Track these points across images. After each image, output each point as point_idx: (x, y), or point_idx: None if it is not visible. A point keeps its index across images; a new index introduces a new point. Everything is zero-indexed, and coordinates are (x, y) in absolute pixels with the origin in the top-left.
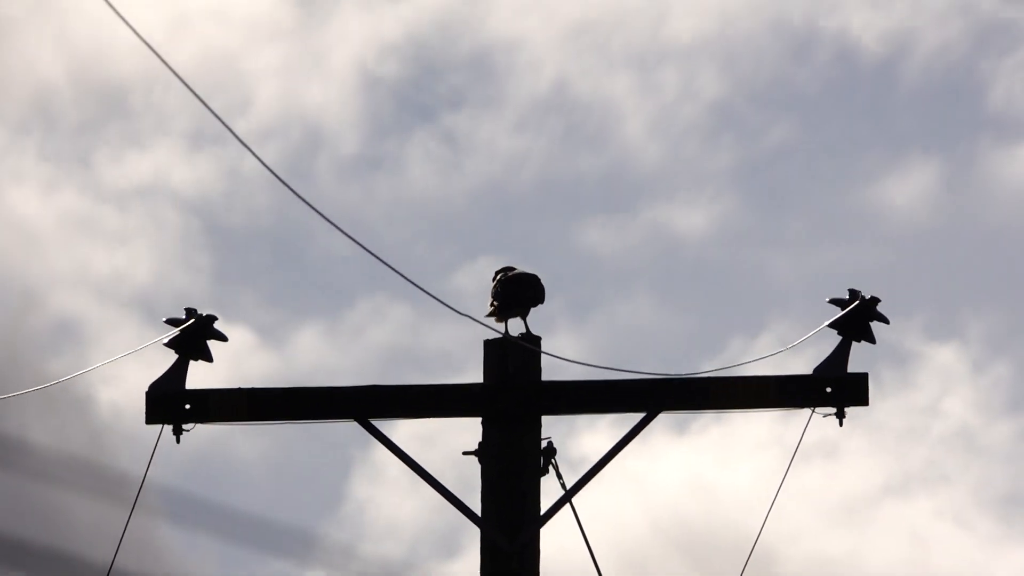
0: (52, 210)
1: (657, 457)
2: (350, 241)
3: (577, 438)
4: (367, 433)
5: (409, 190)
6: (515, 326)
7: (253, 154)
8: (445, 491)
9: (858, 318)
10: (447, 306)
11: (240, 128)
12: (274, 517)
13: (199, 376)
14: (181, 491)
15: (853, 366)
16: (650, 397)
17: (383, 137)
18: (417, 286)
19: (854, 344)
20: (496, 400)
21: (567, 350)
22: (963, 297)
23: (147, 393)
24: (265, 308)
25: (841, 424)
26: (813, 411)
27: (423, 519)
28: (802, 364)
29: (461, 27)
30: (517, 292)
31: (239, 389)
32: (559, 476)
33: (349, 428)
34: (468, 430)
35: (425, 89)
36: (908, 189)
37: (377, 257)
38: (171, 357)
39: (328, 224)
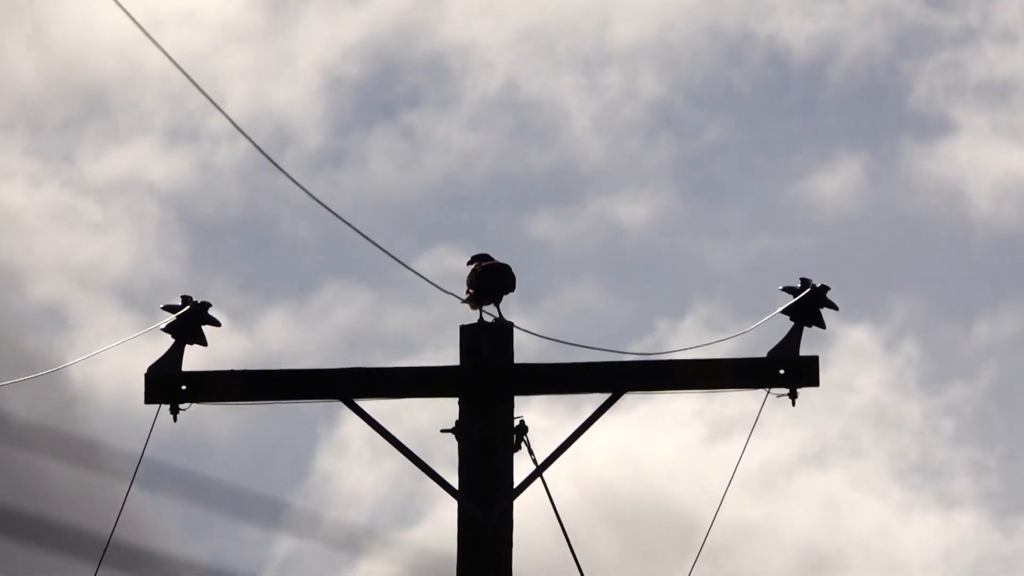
0: (37, 203)
1: (593, 434)
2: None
3: (547, 417)
4: (349, 411)
5: (371, 182)
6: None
7: (267, 157)
8: (424, 466)
9: (809, 305)
10: (436, 286)
11: (212, 126)
12: (259, 489)
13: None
14: (174, 466)
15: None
16: (616, 378)
17: (346, 133)
18: (410, 269)
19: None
20: (472, 381)
21: (517, 333)
22: (886, 282)
23: (146, 375)
24: (236, 293)
25: (794, 404)
26: (768, 391)
27: (391, 489)
28: (746, 347)
29: (418, 31)
30: (490, 282)
31: (232, 371)
32: (531, 452)
33: (316, 408)
34: (432, 409)
35: (385, 88)
36: (835, 182)
37: (374, 243)
38: (141, 341)
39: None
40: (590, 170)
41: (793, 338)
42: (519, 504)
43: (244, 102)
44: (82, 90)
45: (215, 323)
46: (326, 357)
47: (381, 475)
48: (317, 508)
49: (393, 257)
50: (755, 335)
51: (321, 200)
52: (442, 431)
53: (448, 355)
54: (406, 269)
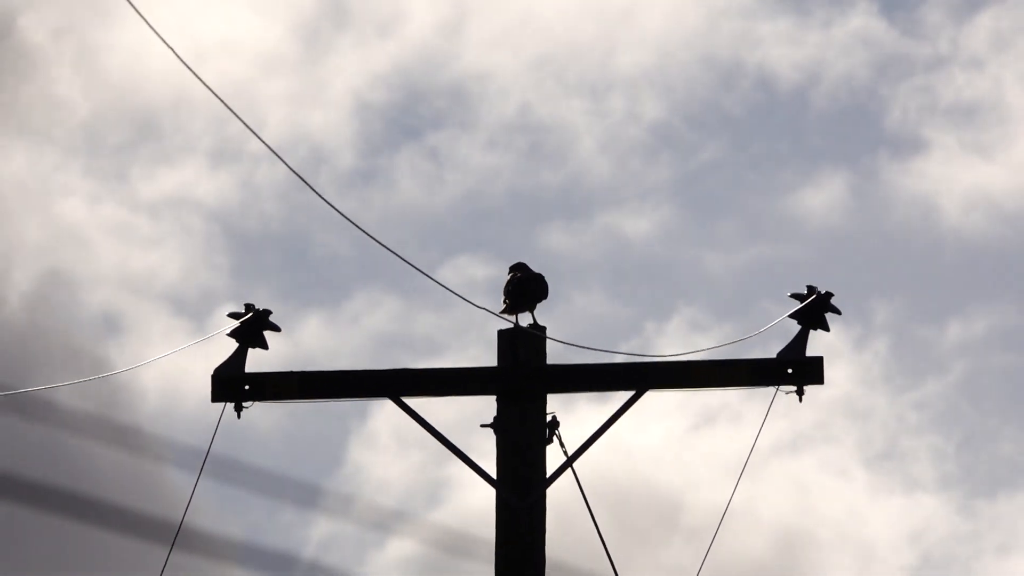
0: (95, 218)
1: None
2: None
3: (576, 413)
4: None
5: (398, 199)
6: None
7: (300, 177)
8: (465, 458)
9: (815, 310)
10: (469, 302)
11: (253, 148)
12: (302, 477)
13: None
14: (244, 461)
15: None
16: (639, 378)
17: (375, 154)
18: (437, 282)
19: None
20: (509, 381)
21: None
22: (867, 286)
23: (212, 376)
24: (275, 300)
25: (800, 400)
26: (777, 389)
27: (418, 476)
28: (742, 348)
29: (441, 60)
30: (525, 292)
31: (291, 372)
32: (562, 445)
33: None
34: (459, 405)
35: (411, 113)
36: (820, 197)
37: (404, 260)
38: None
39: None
40: (597, 186)
41: (800, 340)
42: (551, 492)
43: (282, 126)
44: (135, 116)
45: (276, 328)
46: (357, 359)
47: (410, 464)
48: (352, 492)
49: (428, 276)
50: (747, 336)
51: (351, 218)
52: (482, 426)
53: (469, 356)
54: (436, 283)
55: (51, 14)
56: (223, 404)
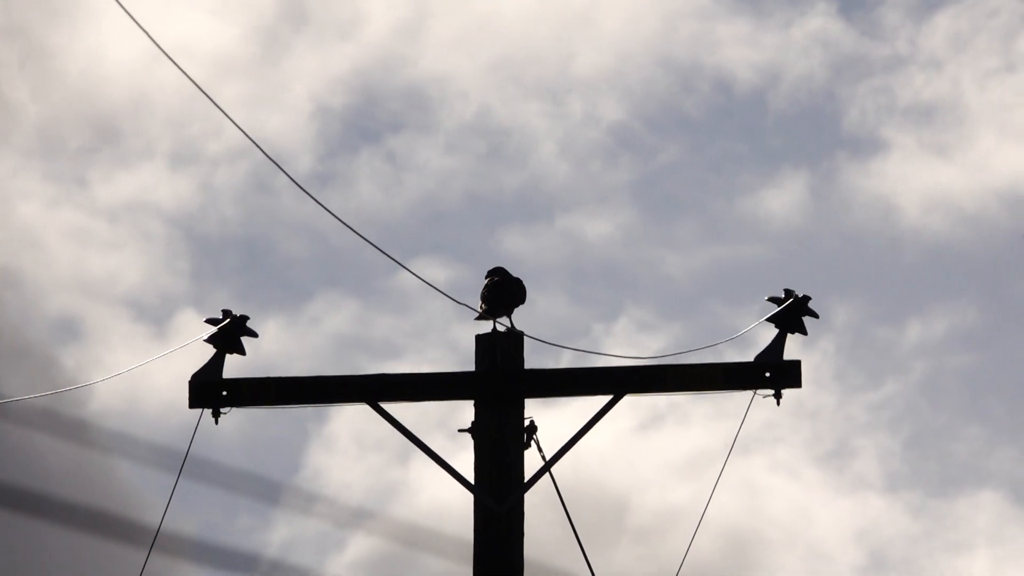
0: (54, 222)
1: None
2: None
3: (554, 417)
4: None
5: (357, 201)
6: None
7: (278, 166)
8: (443, 463)
9: (792, 313)
10: (453, 299)
11: (212, 150)
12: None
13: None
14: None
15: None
16: (616, 382)
17: (334, 157)
18: (428, 283)
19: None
20: (487, 385)
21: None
22: (827, 287)
23: (190, 382)
24: (235, 303)
25: (779, 404)
26: (755, 393)
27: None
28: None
29: (399, 63)
30: (500, 296)
31: (268, 378)
32: (540, 449)
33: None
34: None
35: (369, 116)
36: (780, 198)
37: (392, 258)
38: (148, 347)
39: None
40: (556, 189)
41: (777, 344)
42: (529, 496)
43: (237, 128)
44: (93, 120)
45: (253, 334)
46: (318, 362)
47: (370, 466)
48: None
49: (414, 274)
50: (724, 339)
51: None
52: (459, 431)
53: (428, 358)
54: (408, 279)
55: None
56: (200, 410)
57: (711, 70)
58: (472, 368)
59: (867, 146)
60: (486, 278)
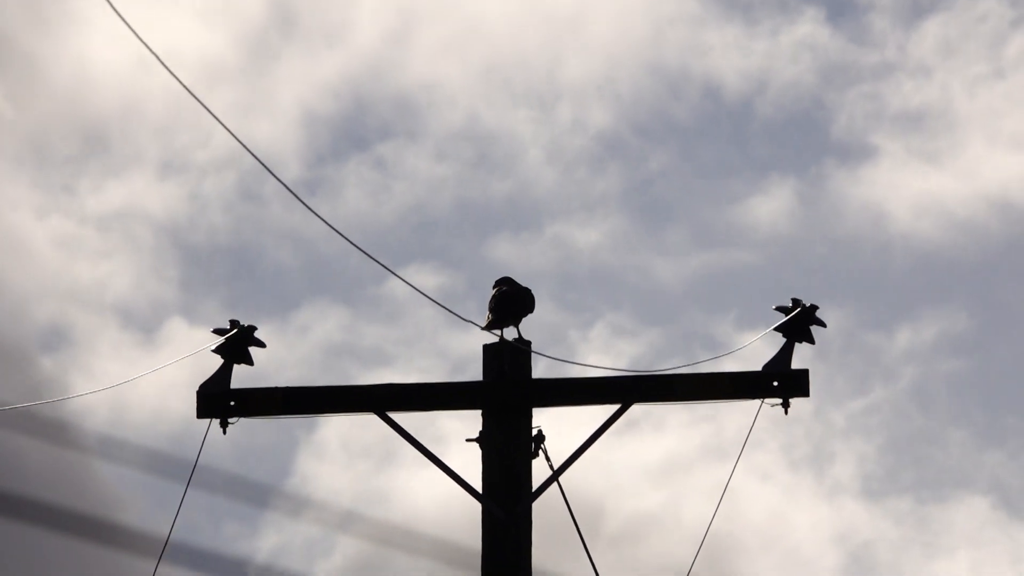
0: (43, 231)
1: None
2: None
3: (561, 427)
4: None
5: (345, 209)
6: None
7: (273, 175)
8: (451, 472)
9: (799, 322)
10: (454, 314)
11: (201, 158)
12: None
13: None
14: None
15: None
16: (624, 391)
17: (322, 164)
18: (427, 296)
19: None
20: (494, 395)
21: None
22: (817, 294)
23: (198, 392)
24: (224, 311)
25: (786, 412)
26: (763, 402)
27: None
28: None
29: (388, 70)
30: (509, 307)
31: (276, 388)
32: (547, 458)
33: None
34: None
35: (358, 123)
36: (769, 205)
37: (389, 269)
38: (138, 355)
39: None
40: (545, 196)
41: (785, 353)
42: (538, 505)
43: (226, 137)
44: (81, 128)
45: (260, 344)
46: (307, 371)
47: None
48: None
49: (413, 287)
50: (732, 349)
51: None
52: (467, 440)
53: (422, 365)
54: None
55: None
56: (209, 420)
57: (700, 77)
58: (466, 376)
59: (856, 153)
60: (493, 288)
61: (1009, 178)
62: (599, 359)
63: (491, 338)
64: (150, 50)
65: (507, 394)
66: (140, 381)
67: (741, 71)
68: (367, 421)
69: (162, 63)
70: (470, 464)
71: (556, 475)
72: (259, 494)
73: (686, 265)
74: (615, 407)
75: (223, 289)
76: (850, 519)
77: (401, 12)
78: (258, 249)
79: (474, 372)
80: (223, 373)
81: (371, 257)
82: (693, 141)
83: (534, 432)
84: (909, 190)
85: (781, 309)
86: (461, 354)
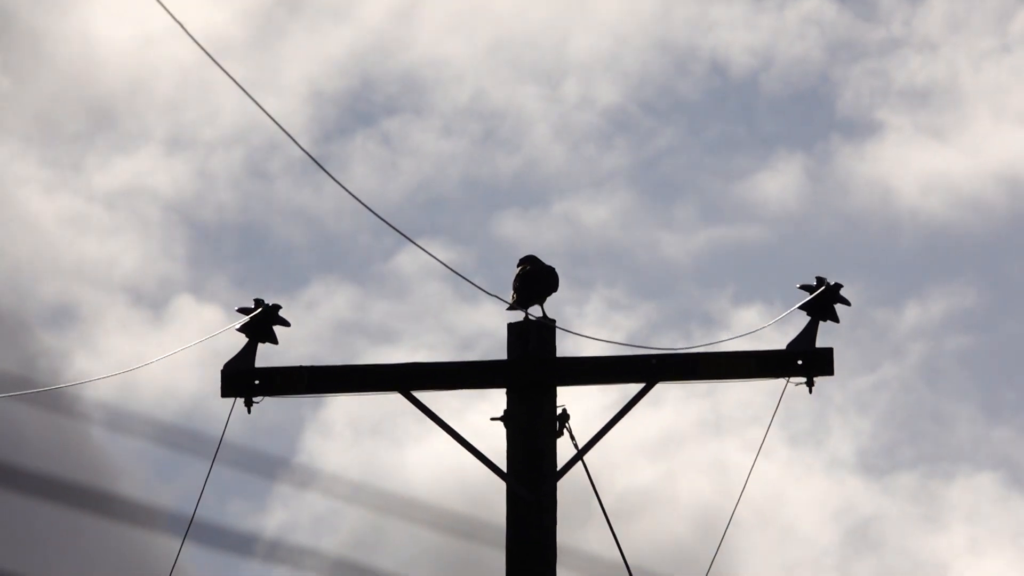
0: (50, 208)
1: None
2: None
3: (586, 405)
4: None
5: (352, 185)
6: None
7: (295, 143)
8: (475, 451)
9: (824, 301)
10: (481, 289)
11: (208, 135)
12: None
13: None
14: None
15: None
16: (649, 370)
17: (329, 140)
18: (454, 271)
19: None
20: (519, 374)
21: (501, 327)
22: (825, 270)
23: (222, 371)
24: (232, 288)
25: (811, 391)
26: (788, 381)
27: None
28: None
29: (395, 46)
30: (534, 286)
31: (301, 367)
32: (572, 437)
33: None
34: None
35: (364, 99)
36: (777, 181)
37: (412, 241)
38: (145, 331)
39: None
40: (552, 173)
41: (809, 331)
42: (562, 484)
43: (234, 113)
44: (88, 105)
45: (285, 323)
46: (316, 348)
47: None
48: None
49: (441, 261)
50: (757, 328)
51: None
52: (491, 419)
53: (425, 343)
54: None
55: None
56: (233, 399)
57: (706, 53)
58: (477, 351)
59: (863, 129)
60: (518, 266)
61: (1016, 154)
62: (612, 336)
63: (506, 314)
64: (175, 20)
65: (532, 372)
66: (147, 358)
67: (748, 47)
68: (375, 400)
69: (187, 32)
70: (481, 442)
71: (581, 454)
72: (283, 471)
73: (693, 241)
74: (640, 386)
75: (231, 266)
76: (851, 496)
77: None
78: (266, 226)
79: (485, 348)
80: (247, 352)
81: (393, 227)
82: (700, 117)
83: (559, 411)
84: (916, 166)
85: (806, 288)
86: (470, 330)
